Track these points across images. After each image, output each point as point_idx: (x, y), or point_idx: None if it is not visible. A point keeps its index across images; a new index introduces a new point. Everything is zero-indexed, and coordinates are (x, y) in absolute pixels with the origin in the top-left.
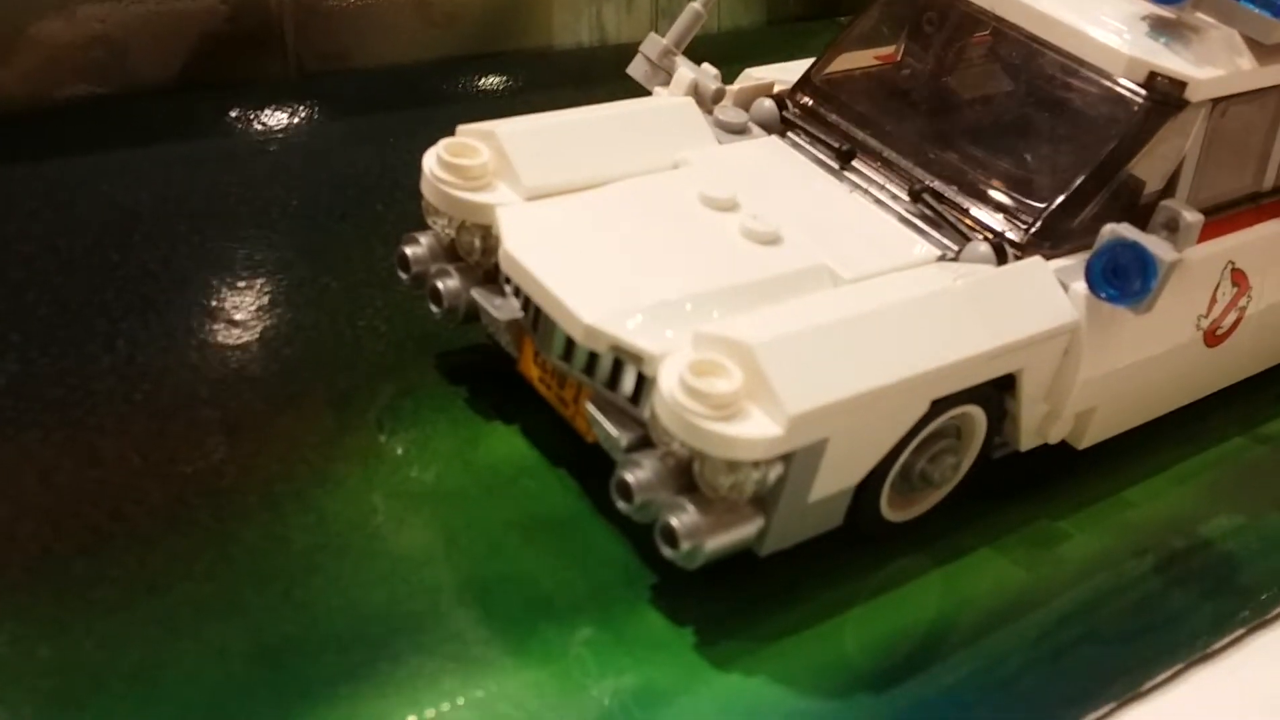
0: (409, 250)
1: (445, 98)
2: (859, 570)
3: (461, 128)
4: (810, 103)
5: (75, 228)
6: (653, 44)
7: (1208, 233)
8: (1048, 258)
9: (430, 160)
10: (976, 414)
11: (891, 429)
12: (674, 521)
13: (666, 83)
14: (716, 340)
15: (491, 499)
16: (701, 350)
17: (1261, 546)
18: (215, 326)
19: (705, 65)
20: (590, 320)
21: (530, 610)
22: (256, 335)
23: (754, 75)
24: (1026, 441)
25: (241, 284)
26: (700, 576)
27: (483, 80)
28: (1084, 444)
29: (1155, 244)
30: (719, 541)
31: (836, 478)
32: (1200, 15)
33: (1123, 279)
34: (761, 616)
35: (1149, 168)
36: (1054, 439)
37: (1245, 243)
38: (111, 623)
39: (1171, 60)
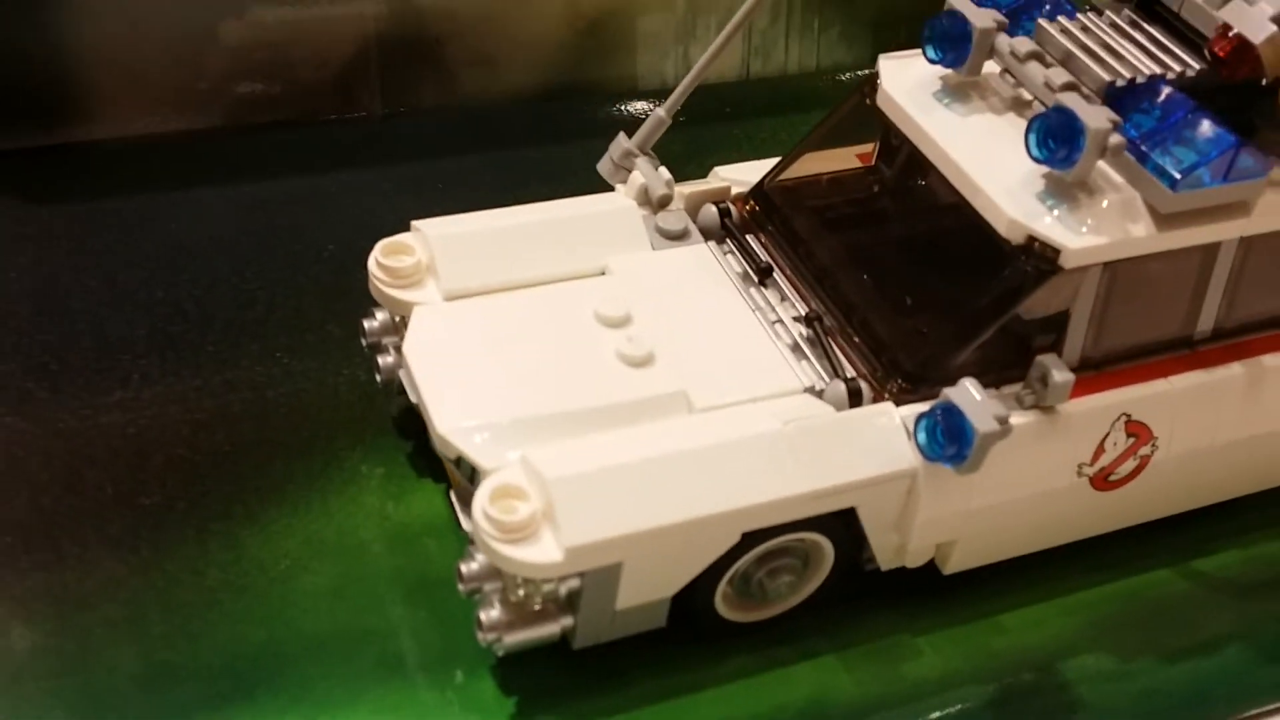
0: (366, 323)
1: (519, 140)
2: (695, 662)
3: (412, 226)
4: (752, 211)
5: (137, 261)
6: (618, 145)
7: (1101, 384)
8: (905, 402)
9: (371, 259)
10: (821, 540)
11: (699, 556)
12: (480, 614)
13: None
14: (528, 466)
15: (390, 555)
16: (517, 474)
17: (1123, 700)
18: (215, 367)
19: (661, 169)
20: (442, 429)
21: (380, 665)
22: (248, 377)
23: (721, 175)
24: (885, 564)
25: (253, 326)
26: (553, 650)
27: (560, 122)
28: (948, 570)
29: (979, 412)
30: (518, 637)
31: (643, 592)
32: (1111, 173)
33: (944, 441)
34: (585, 696)
35: (1028, 324)
36: (913, 564)
37: (1146, 395)
38: (38, 631)
39: (1051, 225)
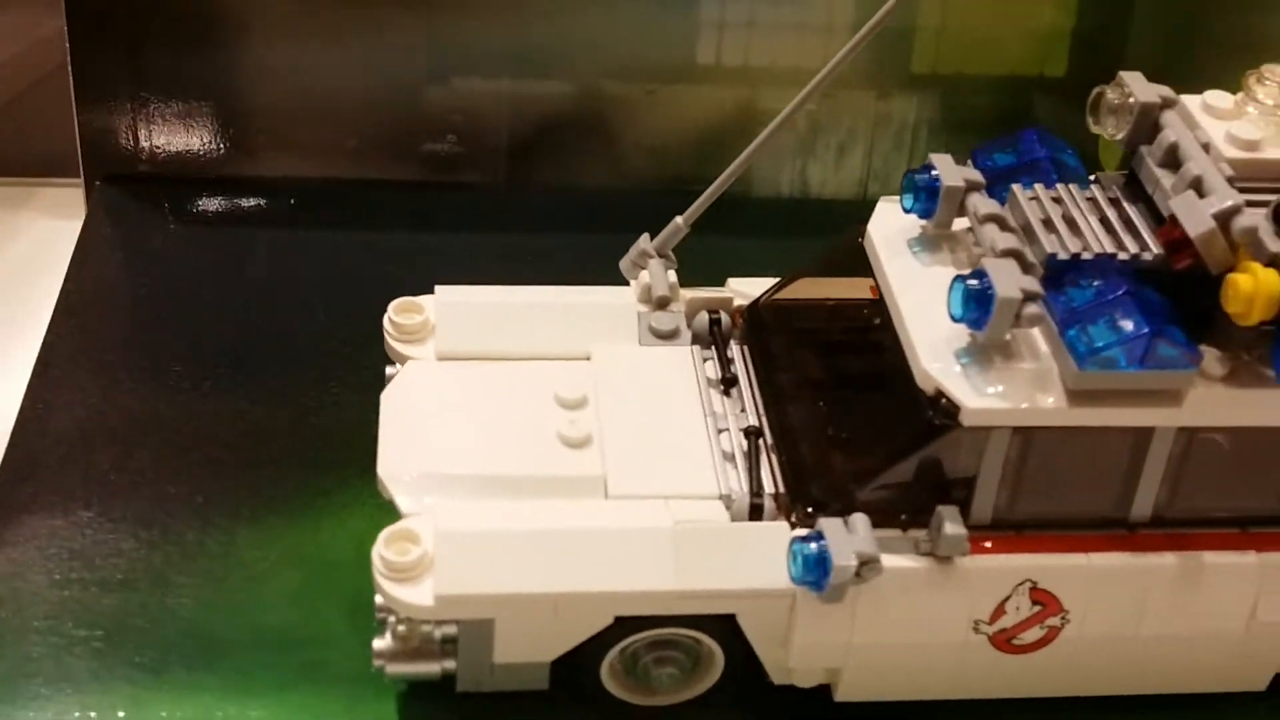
0: (388, 370)
1: (625, 228)
2: None
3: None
4: (740, 325)
5: (248, 286)
6: (639, 245)
7: (1011, 546)
8: (804, 526)
9: (387, 313)
10: (709, 642)
11: (571, 630)
12: (375, 641)
13: None
14: (431, 517)
15: (354, 576)
16: (420, 522)
17: None
18: (276, 385)
19: (670, 273)
20: (381, 472)
21: (309, 668)
22: (298, 399)
23: (732, 285)
24: (775, 678)
25: (322, 358)
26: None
27: (668, 216)
28: (838, 698)
29: (843, 546)
30: (400, 669)
31: (518, 652)
32: (1040, 343)
33: (807, 568)
34: None
35: (936, 474)
36: (802, 684)
37: (1056, 565)
38: (39, 576)
39: (958, 382)
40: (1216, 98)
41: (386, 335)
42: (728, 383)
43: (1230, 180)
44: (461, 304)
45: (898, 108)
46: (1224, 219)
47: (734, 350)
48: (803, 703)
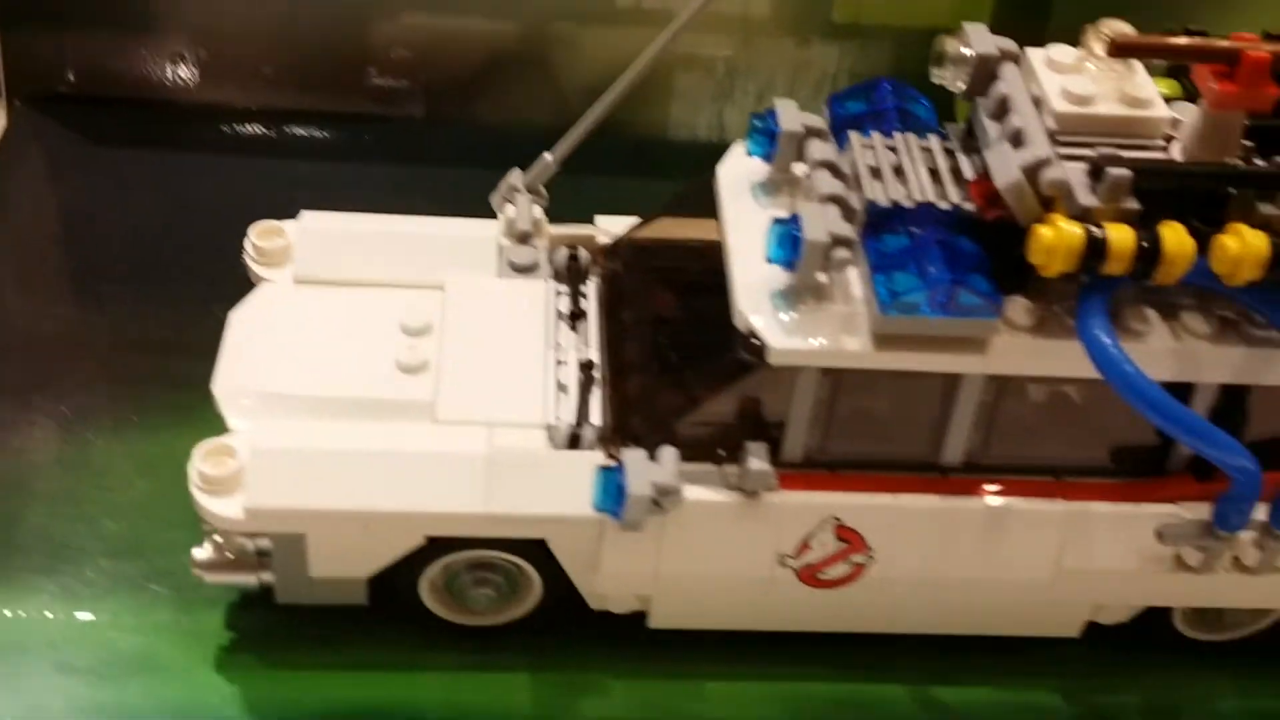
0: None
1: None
2: (408, 643)
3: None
4: (600, 261)
5: (159, 205)
6: (508, 180)
7: (817, 484)
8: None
9: (247, 237)
10: (525, 565)
11: (384, 548)
12: (194, 551)
13: None
14: (250, 433)
15: (177, 487)
16: (239, 437)
17: None
18: (167, 301)
19: (535, 208)
20: (215, 387)
21: (149, 577)
22: (169, 322)
23: (599, 224)
24: (592, 603)
25: (208, 281)
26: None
27: (577, 158)
28: (652, 625)
29: (639, 476)
30: (218, 578)
31: (333, 567)
32: (855, 287)
33: (607, 495)
34: (289, 647)
35: (750, 412)
36: (617, 610)
37: (861, 504)
38: None
39: (769, 322)
40: (1060, 52)
41: (246, 258)
42: (574, 317)
43: (1057, 134)
44: (322, 230)
45: (818, 56)
46: (1032, 171)
47: (591, 286)
48: (621, 629)
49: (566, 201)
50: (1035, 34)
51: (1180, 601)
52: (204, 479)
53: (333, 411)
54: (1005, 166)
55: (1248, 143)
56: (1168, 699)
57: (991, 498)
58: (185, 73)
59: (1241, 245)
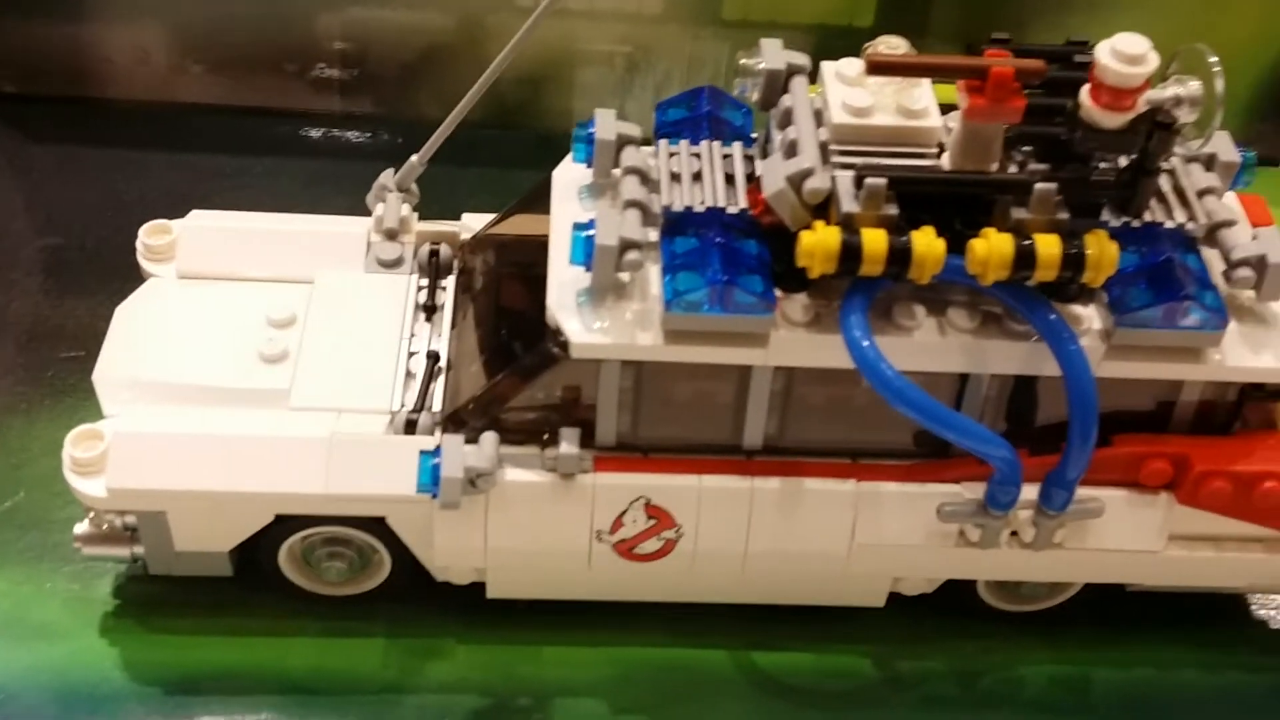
0: None
1: (450, 160)
2: (271, 610)
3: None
4: (458, 256)
5: (87, 205)
6: (380, 180)
7: (628, 466)
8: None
9: (139, 235)
10: (373, 541)
11: (238, 525)
12: (75, 526)
13: None
14: (117, 419)
15: None
16: (108, 423)
17: None
18: (77, 297)
19: (404, 207)
20: (95, 375)
21: (53, 550)
22: (81, 311)
23: (465, 221)
24: (437, 575)
25: (121, 275)
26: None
27: (482, 151)
28: (490, 595)
29: (452, 460)
30: (95, 550)
31: (195, 542)
32: (654, 285)
33: (427, 478)
34: (161, 611)
35: (563, 400)
36: (458, 582)
37: (668, 484)
38: None
39: (571, 319)
40: (848, 65)
41: (138, 255)
42: (430, 310)
43: (835, 144)
44: (205, 228)
45: (709, 51)
46: (797, 180)
47: (450, 280)
48: (465, 598)
49: (469, 195)
50: (914, 27)
51: (971, 574)
52: (74, 461)
53: (197, 399)
54: (773, 176)
55: (1026, 148)
56: (975, 664)
57: (788, 478)
58: (121, 67)
59: (988, 247)
